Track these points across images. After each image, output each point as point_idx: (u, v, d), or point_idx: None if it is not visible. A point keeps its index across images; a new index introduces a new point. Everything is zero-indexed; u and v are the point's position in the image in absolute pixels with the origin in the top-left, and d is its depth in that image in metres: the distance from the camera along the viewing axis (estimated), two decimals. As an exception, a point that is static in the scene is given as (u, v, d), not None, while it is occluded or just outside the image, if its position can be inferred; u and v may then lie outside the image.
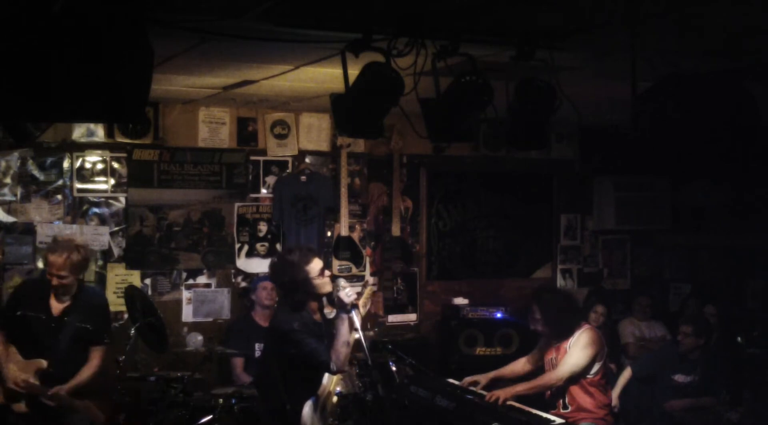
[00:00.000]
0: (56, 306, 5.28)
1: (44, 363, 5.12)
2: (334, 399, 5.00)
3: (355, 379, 5.37)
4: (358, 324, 4.70)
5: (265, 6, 3.59)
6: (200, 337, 6.90)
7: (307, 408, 4.75)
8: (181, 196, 7.06)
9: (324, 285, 4.89)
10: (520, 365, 5.73)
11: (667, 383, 6.37)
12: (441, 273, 8.01)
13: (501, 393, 5.14)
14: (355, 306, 4.72)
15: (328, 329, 4.86)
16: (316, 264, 4.86)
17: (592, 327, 5.48)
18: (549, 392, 5.38)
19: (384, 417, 4.93)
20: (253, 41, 4.16)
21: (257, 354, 6.56)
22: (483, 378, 5.55)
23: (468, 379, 5.55)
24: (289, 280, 4.84)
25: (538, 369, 5.59)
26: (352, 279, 7.44)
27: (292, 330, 4.72)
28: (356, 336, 4.92)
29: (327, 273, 4.94)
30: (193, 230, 7.10)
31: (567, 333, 5.33)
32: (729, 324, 7.33)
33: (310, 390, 4.81)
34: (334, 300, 4.84)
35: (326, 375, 4.89)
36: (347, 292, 4.70)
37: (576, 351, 5.26)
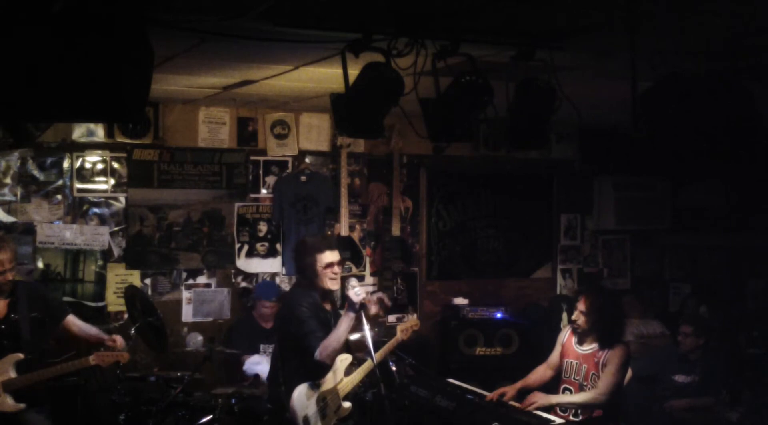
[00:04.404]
0: (2, 305, 5.13)
1: (20, 355, 5.07)
2: (345, 404, 4.95)
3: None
4: (365, 326, 4.69)
5: (265, 6, 3.59)
6: (200, 337, 6.91)
7: (297, 393, 4.76)
8: (181, 195, 7.06)
9: (326, 278, 4.92)
10: (541, 373, 5.46)
11: (667, 383, 6.36)
12: (441, 273, 8.01)
13: (541, 400, 4.96)
14: (363, 306, 4.72)
15: (334, 322, 4.90)
16: (326, 257, 4.93)
17: (626, 346, 5.19)
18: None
19: (384, 417, 4.93)
20: (253, 41, 4.16)
21: (262, 354, 6.57)
22: (511, 389, 5.28)
23: (496, 392, 5.27)
24: (300, 259, 5.06)
25: (559, 375, 5.35)
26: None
27: (299, 306, 4.83)
28: (356, 336, 4.94)
29: (336, 270, 4.96)
30: (193, 230, 7.10)
31: (608, 342, 5.05)
32: (729, 324, 7.33)
33: (304, 374, 4.82)
34: (345, 295, 4.89)
35: (332, 374, 4.90)
36: (356, 291, 4.71)
37: (617, 369, 5.00)
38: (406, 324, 5.40)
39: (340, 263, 5.07)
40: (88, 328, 5.39)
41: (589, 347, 5.14)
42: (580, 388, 5.09)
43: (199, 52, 4.61)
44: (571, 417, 5.01)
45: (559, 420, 4.93)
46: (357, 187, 7.59)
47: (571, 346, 5.25)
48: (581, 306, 5.12)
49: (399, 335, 5.32)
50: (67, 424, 5.78)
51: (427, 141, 4.82)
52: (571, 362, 5.20)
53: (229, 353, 6.28)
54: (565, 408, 5.10)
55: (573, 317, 5.19)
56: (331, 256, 4.95)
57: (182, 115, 7.02)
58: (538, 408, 4.95)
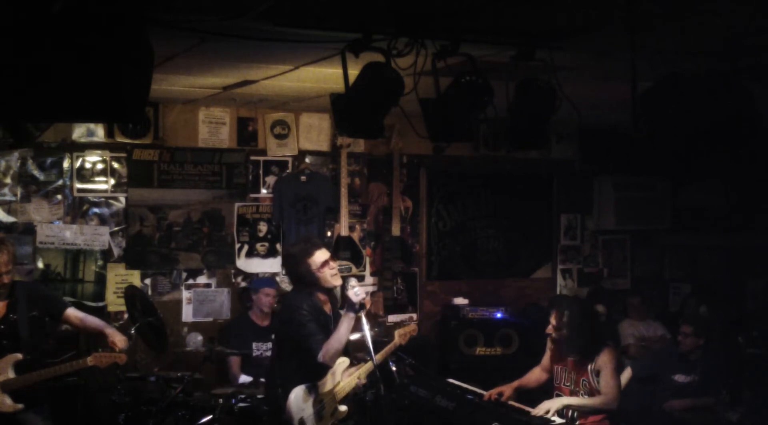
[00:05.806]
0: (0, 306, 5.12)
1: (19, 355, 5.07)
2: (342, 408, 4.96)
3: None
4: (365, 326, 4.68)
5: (265, 6, 3.59)
6: (200, 337, 6.91)
7: (294, 395, 4.76)
8: (181, 196, 7.06)
9: (327, 277, 4.92)
10: (537, 375, 5.52)
11: (667, 383, 6.36)
12: (441, 273, 8.00)
13: (554, 405, 4.98)
14: (363, 306, 4.72)
15: (333, 324, 4.89)
16: (318, 257, 4.91)
17: (613, 347, 5.26)
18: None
19: (384, 417, 4.93)
20: (253, 41, 4.16)
21: (255, 353, 6.57)
22: (508, 389, 5.36)
23: (494, 391, 5.35)
24: (293, 271, 5.03)
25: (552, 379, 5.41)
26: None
27: (299, 308, 4.82)
28: (356, 336, 4.93)
29: (332, 265, 4.95)
30: (193, 230, 7.10)
31: (591, 352, 5.08)
32: (729, 324, 7.32)
33: (303, 376, 4.82)
34: (344, 295, 4.87)
35: (330, 376, 4.90)
36: (356, 292, 4.70)
37: (614, 372, 5.06)
38: (405, 330, 5.47)
39: (333, 257, 5.08)
40: (90, 319, 5.38)
41: (571, 355, 5.17)
42: (572, 395, 5.11)
43: (199, 52, 4.61)
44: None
45: (559, 420, 4.93)
46: (357, 187, 7.59)
47: (556, 353, 5.31)
48: (552, 319, 5.21)
49: (397, 339, 5.39)
50: (67, 424, 5.78)
51: (427, 141, 4.83)
52: (560, 368, 5.26)
53: (229, 353, 6.29)
54: (574, 410, 5.11)
55: (547, 330, 5.26)
56: (322, 255, 4.94)
57: (182, 115, 7.02)
58: (554, 414, 4.95)
